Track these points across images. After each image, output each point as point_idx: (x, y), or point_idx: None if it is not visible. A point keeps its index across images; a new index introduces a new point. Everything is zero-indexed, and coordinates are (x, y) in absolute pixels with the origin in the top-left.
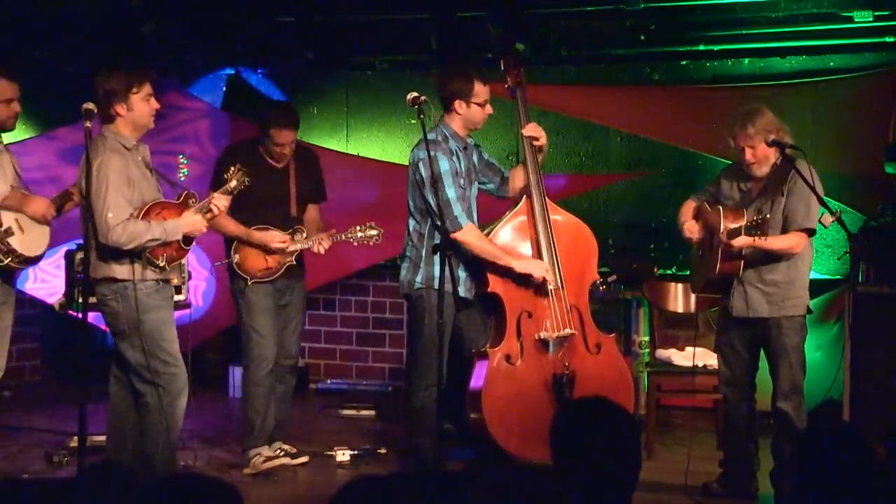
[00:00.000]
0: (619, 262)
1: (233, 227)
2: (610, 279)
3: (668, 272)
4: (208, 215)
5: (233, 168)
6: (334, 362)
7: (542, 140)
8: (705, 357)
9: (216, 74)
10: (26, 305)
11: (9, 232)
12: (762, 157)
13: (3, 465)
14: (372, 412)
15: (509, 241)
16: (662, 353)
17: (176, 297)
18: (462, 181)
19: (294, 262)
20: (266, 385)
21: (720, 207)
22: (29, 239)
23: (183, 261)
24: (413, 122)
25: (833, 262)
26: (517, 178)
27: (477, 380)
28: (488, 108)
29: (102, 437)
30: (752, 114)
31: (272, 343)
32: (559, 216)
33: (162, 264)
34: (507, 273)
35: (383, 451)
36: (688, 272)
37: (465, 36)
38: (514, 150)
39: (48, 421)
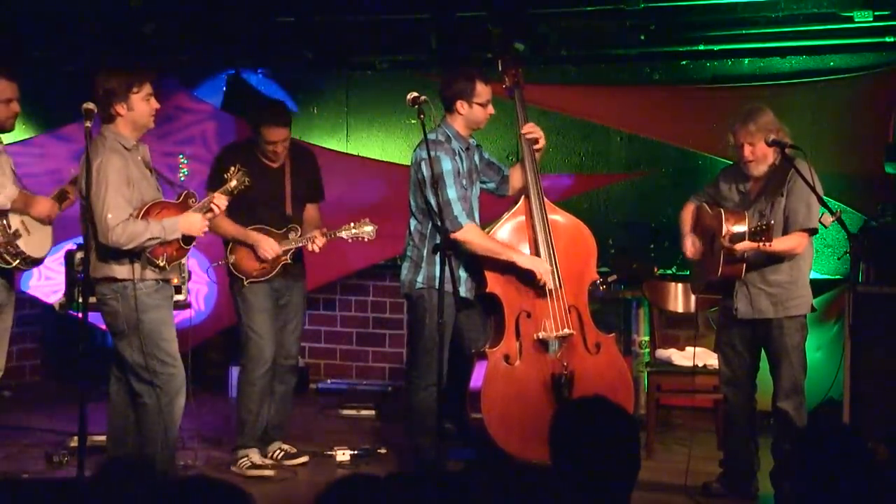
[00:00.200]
0: (619, 262)
1: (230, 227)
2: (610, 279)
3: (668, 272)
4: (208, 215)
5: (233, 168)
6: (334, 362)
7: (541, 141)
8: (705, 357)
9: (221, 77)
10: (26, 305)
11: (17, 234)
12: (761, 155)
13: (3, 465)
14: (372, 412)
15: (508, 241)
16: (662, 353)
17: (176, 297)
18: (464, 181)
19: (290, 262)
20: (261, 385)
21: (721, 210)
22: (34, 240)
23: (183, 261)
24: (413, 122)
25: (833, 262)
26: (517, 177)
27: (477, 380)
28: (490, 109)
29: (102, 437)
30: (753, 112)
31: (270, 343)
32: (558, 216)
33: (162, 264)
34: (506, 273)
35: (383, 451)
36: (688, 272)
37: (465, 36)
38: (514, 150)
39: (48, 421)
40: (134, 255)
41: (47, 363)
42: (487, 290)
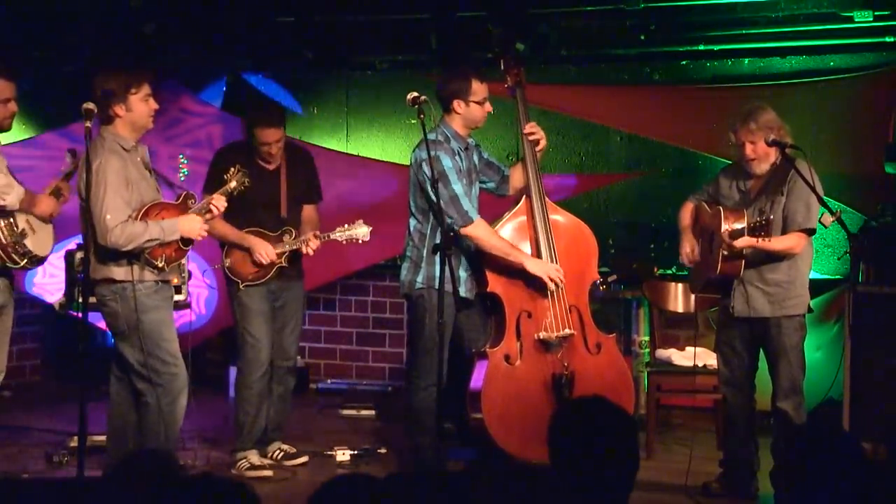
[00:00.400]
0: (619, 262)
1: (225, 230)
2: (610, 279)
3: (668, 272)
4: (208, 216)
5: (233, 168)
6: (334, 362)
7: (542, 141)
8: (705, 357)
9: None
10: (26, 305)
11: (24, 234)
12: (762, 153)
13: (3, 465)
14: (372, 412)
15: (509, 241)
16: (662, 353)
17: (176, 297)
18: (464, 180)
19: (285, 265)
20: (258, 388)
21: (720, 208)
22: (39, 239)
23: (182, 261)
24: (413, 122)
25: (833, 262)
26: (517, 177)
27: (477, 380)
28: (487, 106)
29: (102, 437)
30: (754, 110)
31: (266, 346)
32: (559, 216)
33: (161, 265)
34: (506, 273)
35: (383, 451)
36: (687, 272)
37: (465, 36)
38: (514, 150)
39: (48, 421)
40: (133, 256)
41: (47, 363)
42: (488, 290)
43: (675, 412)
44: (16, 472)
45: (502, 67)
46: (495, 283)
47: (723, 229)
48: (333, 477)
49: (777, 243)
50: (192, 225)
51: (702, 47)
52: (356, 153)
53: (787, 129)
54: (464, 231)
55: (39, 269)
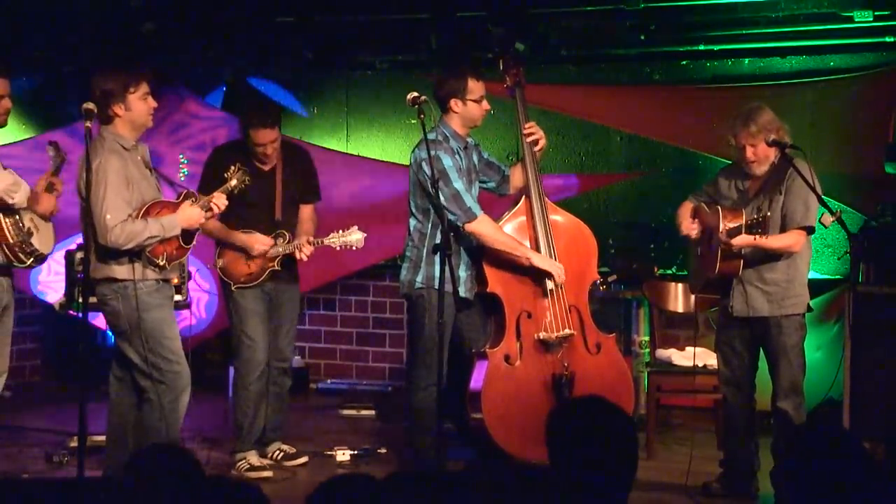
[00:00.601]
0: (619, 262)
1: (218, 229)
2: (610, 279)
3: (668, 272)
4: (208, 214)
5: (233, 167)
6: (334, 362)
7: (542, 141)
8: (705, 357)
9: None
10: (26, 305)
11: (30, 232)
12: (763, 155)
13: (3, 465)
14: (372, 412)
15: None
16: (662, 353)
17: (176, 297)
18: (464, 179)
19: (278, 268)
20: (256, 389)
21: (719, 207)
22: (42, 237)
23: (183, 260)
24: (413, 122)
25: (833, 262)
26: (517, 177)
27: (477, 380)
28: (485, 104)
29: (102, 437)
30: (753, 112)
31: (263, 346)
32: (559, 216)
33: (162, 263)
34: (507, 273)
35: (383, 451)
36: (687, 272)
37: (465, 36)
38: (514, 150)
39: (48, 421)
40: (134, 255)
41: (47, 363)
42: (488, 290)
43: (675, 412)
44: (16, 472)
45: (502, 67)
46: (495, 284)
47: (721, 228)
48: (333, 477)
49: (775, 241)
50: (191, 217)
51: (702, 47)
52: (356, 153)
53: (786, 128)
54: (468, 227)
55: (44, 266)
